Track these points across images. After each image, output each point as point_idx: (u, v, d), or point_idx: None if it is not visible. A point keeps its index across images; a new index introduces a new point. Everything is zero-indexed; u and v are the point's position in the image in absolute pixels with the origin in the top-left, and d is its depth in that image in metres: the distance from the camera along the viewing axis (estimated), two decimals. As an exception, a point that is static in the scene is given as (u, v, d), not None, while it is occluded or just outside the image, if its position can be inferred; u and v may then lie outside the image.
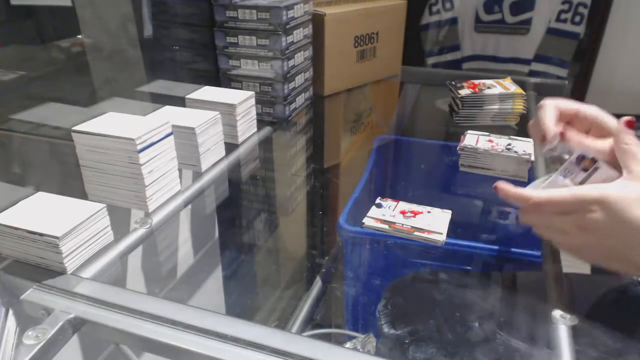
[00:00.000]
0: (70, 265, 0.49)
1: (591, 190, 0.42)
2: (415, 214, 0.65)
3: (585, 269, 0.68)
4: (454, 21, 1.75)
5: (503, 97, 0.94)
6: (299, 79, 0.94)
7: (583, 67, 1.71)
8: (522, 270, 0.65)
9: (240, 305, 0.87)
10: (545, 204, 0.45)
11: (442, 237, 0.61)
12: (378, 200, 0.68)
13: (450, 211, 0.66)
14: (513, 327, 0.60)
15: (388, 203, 0.68)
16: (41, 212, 0.50)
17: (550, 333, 0.45)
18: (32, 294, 0.47)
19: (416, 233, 0.61)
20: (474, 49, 1.78)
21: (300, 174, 0.94)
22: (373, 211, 0.66)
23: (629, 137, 0.44)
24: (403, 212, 0.66)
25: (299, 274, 0.90)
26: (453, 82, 1.00)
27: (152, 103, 0.85)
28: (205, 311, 0.44)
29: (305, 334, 0.71)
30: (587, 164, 0.46)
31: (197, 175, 0.69)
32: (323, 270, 0.76)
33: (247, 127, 0.81)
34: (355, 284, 0.76)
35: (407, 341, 0.58)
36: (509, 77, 1.02)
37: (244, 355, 0.40)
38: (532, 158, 0.75)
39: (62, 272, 0.49)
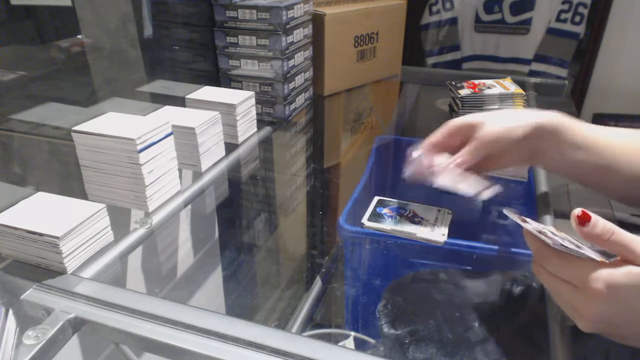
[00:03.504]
0: (70, 265, 0.49)
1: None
2: (415, 214, 0.65)
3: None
4: (454, 21, 1.75)
5: (503, 97, 0.94)
6: (299, 79, 0.94)
7: (583, 67, 1.71)
8: (522, 270, 0.65)
9: (240, 305, 0.87)
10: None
11: (442, 237, 0.61)
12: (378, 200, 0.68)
13: (450, 211, 0.66)
14: (513, 327, 0.60)
15: (388, 203, 0.68)
16: (41, 212, 0.50)
17: (550, 333, 0.45)
18: (32, 294, 0.47)
19: (417, 233, 0.61)
20: (474, 49, 1.78)
21: (300, 174, 0.94)
22: (373, 211, 0.66)
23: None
24: (403, 212, 0.66)
25: (299, 274, 0.90)
26: (453, 82, 1.00)
27: (152, 103, 0.85)
28: (205, 311, 0.44)
29: (305, 334, 0.71)
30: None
31: (197, 175, 0.69)
32: (323, 270, 0.76)
33: (247, 127, 0.81)
34: (355, 284, 0.76)
35: (407, 341, 0.58)
36: (509, 77, 1.02)
37: (244, 355, 0.40)
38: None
39: (62, 272, 0.49)
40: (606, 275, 0.37)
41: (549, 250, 0.41)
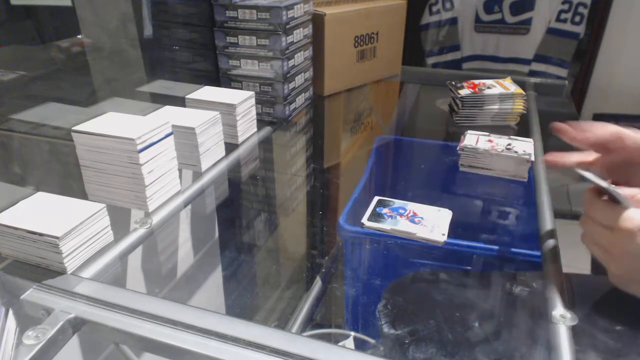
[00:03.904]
0: (70, 265, 0.49)
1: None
2: (415, 214, 0.65)
3: (585, 269, 0.68)
4: (454, 21, 1.75)
5: (503, 97, 0.94)
6: (299, 79, 0.94)
7: (583, 67, 1.71)
8: (522, 270, 0.65)
9: (240, 305, 0.87)
10: (592, 206, 0.46)
11: (442, 237, 0.61)
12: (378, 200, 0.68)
13: (450, 211, 0.66)
14: (513, 327, 0.60)
15: (388, 203, 0.68)
16: (41, 212, 0.50)
17: (550, 333, 0.45)
18: (32, 294, 0.47)
19: (417, 233, 0.61)
20: (474, 49, 1.78)
21: (300, 174, 0.94)
22: (373, 211, 0.66)
23: None
24: (403, 212, 0.66)
25: (299, 274, 0.90)
26: (453, 82, 1.00)
27: (152, 103, 0.85)
28: (205, 311, 0.44)
29: (305, 334, 0.71)
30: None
31: (197, 175, 0.69)
32: (323, 270, 0.76)
33: (247, 127, 0.81)
34: (355, 284, 0.76)
35: (407, 341, 0.58)
36: (509, 77, 1.02)
37: (244, 355, 0.40)
38: (532, 158, 0.75)
39: (62, 272, 0.49)
40: (636, 216, 0.42)
41: (597, 201, 0.46)
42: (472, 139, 0.81)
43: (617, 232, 0.43)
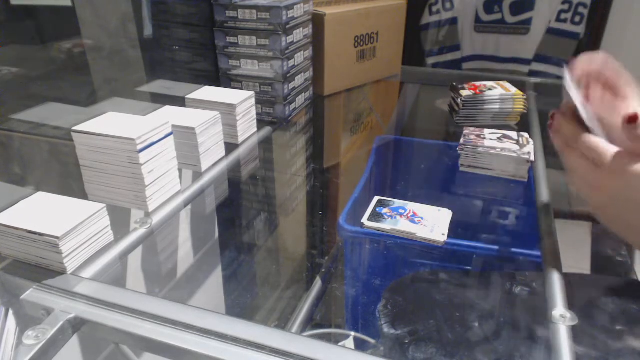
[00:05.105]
0: (70, 265, 0.49)
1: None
2: (415, 214, 0.65)
3: (585, 269, 0.68)
4: (454, 21, 1.75)
5: (504, 98, 0.94)
6: (299, 79, 0.94)
7: (583, 67, 1.70)
8: (522, 270, 0.65)
9: (240, 305, 0.87)
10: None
11: (442, 237, 0.61)
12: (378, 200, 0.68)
13: (450, 211, 0.66)
14: (513, 327, 0.60)
15: (388, 203, 0.68)
16: (41, 212, 0.50)
17: (550, 333, 0.45)
18: (32, 294, 0.47)
19: (417, 233, 0.61)
20: (474, 49, 1.78)
21: (300, 174, 0.94)
22: (373, 211, 0.66)
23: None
24: (403, 212, 0.66)
25: (299, 274, 0.90)
26: (454, 84, 1.00)
27: (152, 103, 0.85)
28: (205, 311, 0.44)
29: (305, 334, 0.71)
30: None
31: (197, 175, 0.69)
32: (323, 270, 0.76)
33: (247, 127, 0.81)
34: (355, 284, 0.76)
35: (407, 341, 0.58)
36: (506, 81, 1.02)
37: (244, 355, 0.40)
38: (532, 158, 0.75)
39: (62, 272, 0.49)
40: (626, 157, 0.43)
41: (582, 134, 0.47)
42: (471, 138, 0.81)
43: (604, 169, 0.44)
